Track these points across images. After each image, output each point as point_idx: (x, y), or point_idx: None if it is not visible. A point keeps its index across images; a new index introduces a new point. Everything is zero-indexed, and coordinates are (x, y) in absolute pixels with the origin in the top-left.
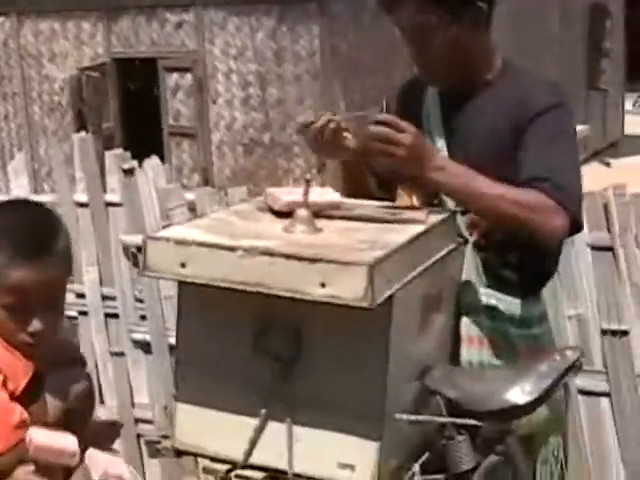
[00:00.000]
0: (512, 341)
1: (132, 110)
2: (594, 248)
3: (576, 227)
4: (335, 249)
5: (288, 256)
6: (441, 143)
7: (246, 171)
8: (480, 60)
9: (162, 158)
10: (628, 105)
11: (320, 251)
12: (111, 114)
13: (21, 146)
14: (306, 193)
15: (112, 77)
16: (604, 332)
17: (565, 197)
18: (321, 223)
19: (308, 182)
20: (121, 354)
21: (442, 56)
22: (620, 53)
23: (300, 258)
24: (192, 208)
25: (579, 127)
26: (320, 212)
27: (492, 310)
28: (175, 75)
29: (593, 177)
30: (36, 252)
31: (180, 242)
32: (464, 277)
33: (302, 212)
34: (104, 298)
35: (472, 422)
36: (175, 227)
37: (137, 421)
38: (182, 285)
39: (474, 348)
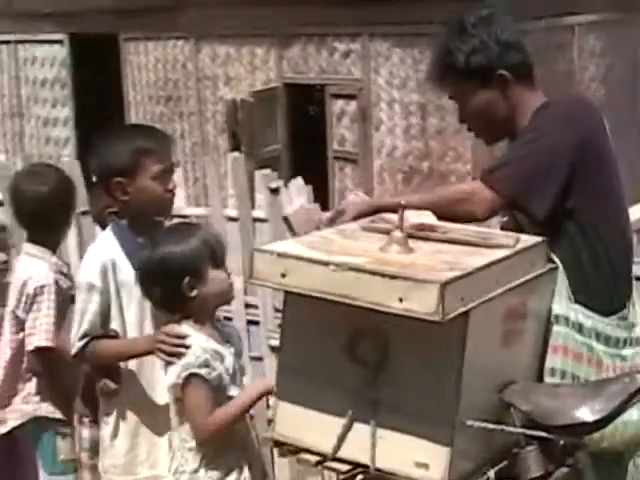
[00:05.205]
0: (598, 357)
1: (299, 133)
2: None
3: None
4: (417, 268)
5: (372, 272)
6: None
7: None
8: (516, 113)
9: (326, 181)
10: None
11: (401, 269)
12: (278, 137)
13: (195, 163)
14: (402, 217)
15: (282, 101)
16: None
17: (494, 178)
18: (415, 244)
19: (404, 207)
20: (259, 359)
21: (478, 118)
22: None
23: (382, 274)
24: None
25: None
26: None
27: (580, 325)
28: (341, 102)
29: None
30: None
31: (281, 255)
32: (556, 293)
33: (397, 234)
34: (247, 306)
35: (540, 434)
36: (282, 242)
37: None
38: (286, 294)
39: (558, 356)
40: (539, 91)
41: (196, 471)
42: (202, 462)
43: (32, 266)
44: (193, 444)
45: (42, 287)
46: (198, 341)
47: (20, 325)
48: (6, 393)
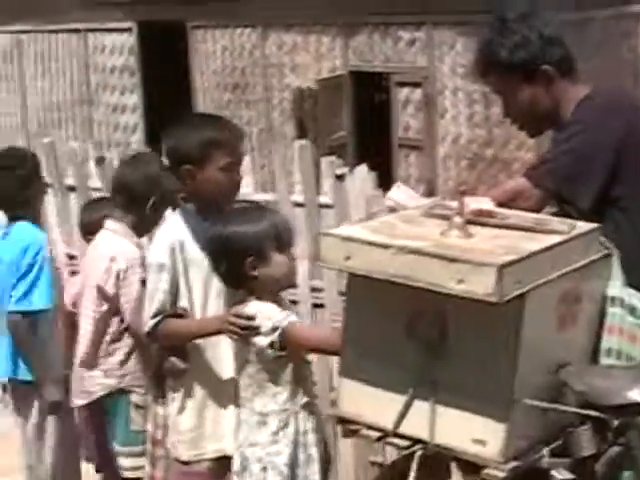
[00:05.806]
0: None
1: (364, 121)
2: None
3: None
4: (475, 252)
5: (432, 255)
6: None
7: (468, 184)
8: (560, 106)
9: (390, 168)
10: None
11: (460, 253)
12: (344, 124)
13: (261, 149)
14: (462, 203)
15: (347, 89)
16: None
17: (537, 175)
18: (474, 230)
19: (463, 193)
20: None
21: (522, 112)
22: None
23: (442, 257)
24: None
25: None
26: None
27: (633, 308)
28: (406, 90)
29: None
30: None
31: (346, 239)
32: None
33: (457, 219)
34: (312, 290)
35: (593, 413)
36: (347, 226)
37: (333, 403)
38: (350, 276)
39: (614, 337)
40: (581, 83)
41: (272, 443)
42: (273, 433)
43: (118, 242)
44: (268, 409)
45: (134, 260)
46: (269, 308)
47: (105, 298)
48: (90, 358)
